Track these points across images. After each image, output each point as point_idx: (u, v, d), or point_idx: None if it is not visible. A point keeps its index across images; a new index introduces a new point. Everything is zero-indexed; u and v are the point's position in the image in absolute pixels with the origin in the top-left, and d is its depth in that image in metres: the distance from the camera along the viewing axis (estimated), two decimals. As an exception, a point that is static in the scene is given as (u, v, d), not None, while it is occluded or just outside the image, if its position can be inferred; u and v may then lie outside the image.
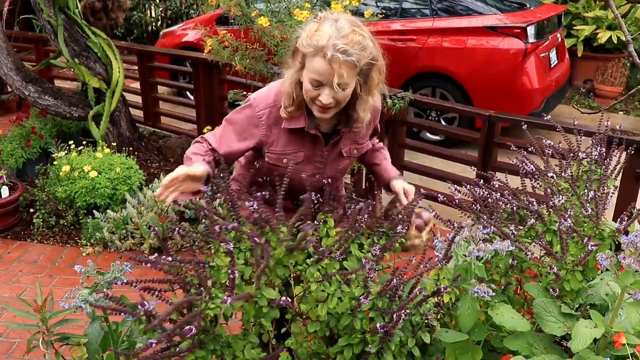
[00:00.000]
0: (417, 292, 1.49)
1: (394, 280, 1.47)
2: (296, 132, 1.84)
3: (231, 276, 1.38)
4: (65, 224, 4.17)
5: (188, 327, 1.30)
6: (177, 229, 1.57)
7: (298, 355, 1.62)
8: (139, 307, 1.34)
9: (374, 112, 1.92)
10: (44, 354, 1.84)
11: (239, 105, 1.92)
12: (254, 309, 1.45)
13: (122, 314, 1.41)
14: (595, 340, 1.43)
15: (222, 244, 1.44)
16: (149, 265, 1.42)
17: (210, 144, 1.85)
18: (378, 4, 5.93)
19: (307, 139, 1.86)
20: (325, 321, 1.53)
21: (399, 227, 1.68)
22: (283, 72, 1.83)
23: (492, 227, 1.64)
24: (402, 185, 1.95)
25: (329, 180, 1.83)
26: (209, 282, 1.44)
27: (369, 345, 1.45)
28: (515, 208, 1.81)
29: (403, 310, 1.42)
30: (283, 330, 1.69)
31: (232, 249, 1.41)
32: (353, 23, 1.65)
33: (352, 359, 1.51)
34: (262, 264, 1.42)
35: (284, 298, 1.44)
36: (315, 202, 1.69)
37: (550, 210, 1.74)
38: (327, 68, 1.62)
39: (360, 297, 1.44)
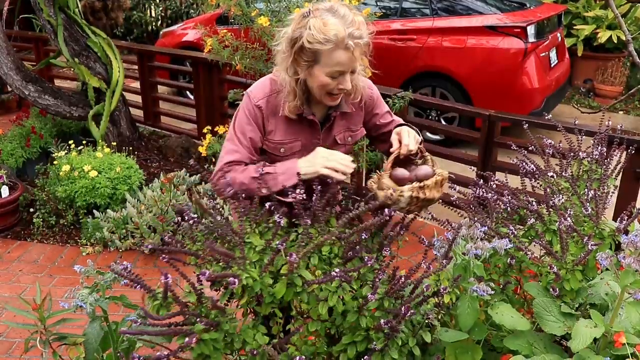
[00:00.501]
0: (425, 288, 1.49)
1: (401, 279, 1.47)
2: (293, 120, 1.85)
3: (280, 247, 1.45)
4: (65, 223, 4.17)
5: (231, 279, 1.35)
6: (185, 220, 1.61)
7: (302, 353, 1.63)
8: (162, 278, 1.38)
9: (369, 98, 1.95)
10: (41, 354, 1.84)
11: (239, 104, 1.92)
12: (285, 287, 1.46)
13: (137, 287, 1.43)
14: (595, 339, 1.43)
15: (276, 216, 1.52)
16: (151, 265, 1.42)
17: (242, 162, 1.84)
18: (378, 3, 5.93)
19: (304, 126, 1.87)
20: (332, 319, 1.53)
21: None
22: (278, 72, 1.84)
23: (488, 227, 1.64)
24: (397, 130, 1.89)
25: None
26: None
27: (373, 343, 1.45)
28: (515, 207, 1.81)
29: (408, 305, 1.43)
30: (288, 326, 1.70)
31: (282, 222, 1.53)
32: (346, 6, 1.70)
33: (355, 357, 1.51)
34: (317, 242, 1.48)
35: (335, 272, 1.43)
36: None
37: (550, 209, 1.74)
38: (349, 57, 1.67)
39: (368, 294, 1.44)
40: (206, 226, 1.59)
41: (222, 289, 1.49)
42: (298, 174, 1.69)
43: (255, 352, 1.47)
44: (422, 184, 1.69)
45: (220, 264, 1.49)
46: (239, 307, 1.54)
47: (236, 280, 1.37)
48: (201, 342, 1.39)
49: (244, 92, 1.90)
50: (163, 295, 1.41)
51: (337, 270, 1.43)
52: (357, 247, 1.57)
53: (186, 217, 1.58)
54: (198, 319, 1.39)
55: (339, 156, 1.75)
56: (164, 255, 1.46)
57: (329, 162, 1.73)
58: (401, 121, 2.06)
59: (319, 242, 1.49)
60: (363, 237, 1.58)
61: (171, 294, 1.43)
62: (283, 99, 1.82)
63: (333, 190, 1.67)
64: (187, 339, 1.35)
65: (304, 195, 1.61)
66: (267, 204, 1.61)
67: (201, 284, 1.43)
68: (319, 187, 1.64)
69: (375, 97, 1.99)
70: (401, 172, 1.74)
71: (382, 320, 1.42)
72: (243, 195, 1.65)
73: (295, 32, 1.69)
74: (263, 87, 1.86)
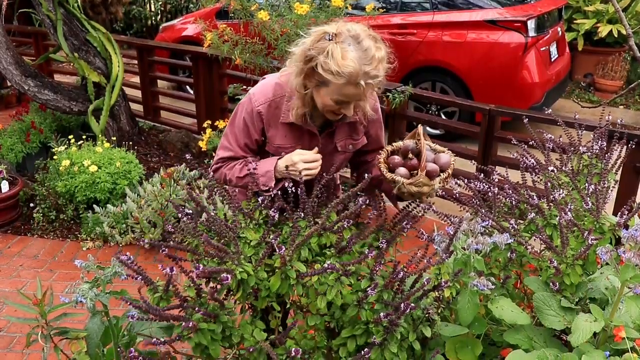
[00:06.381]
0: (425, 282, 1.49)
1: (401, 272, 1.47)
2: (294, 126, 1.85)
3: (273, 240, 1.46)
4: (66, 218, 4.17)
5: (224, 275, 1.36)
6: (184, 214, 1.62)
7: (301, 347, 1.63)
8: (162, 269, 1.39)
9: (372, 108, 1.91)
10: (42, 348, 1.84)
11: (239, 99, 1.93)
12: (279, 280, 1.47)
13: (139, 278, 1.43)
14: (594, 334, 1.43)
15: (269, 211, 1.53)
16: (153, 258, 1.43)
17: (234, 158, 1.91)
18: (378, -3, 5.91)
19: (305, 133, 1.87)
20: (331, 313, 1.54)
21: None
22: (285, 68, 1.82)
23: (490, 221, 1.64)
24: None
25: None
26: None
27: (373, 337, 1.46)
28: (515, 202, 1.80)
29: (408, 301, 1.43)
30: (288, 320, 1.71)
31: (276, 216, 1.53)
32: (371, 37, 1.64)
33: (355, 351, 1.51)
34: (306, 234, 1.49)
35: (327, 264, 1.44)
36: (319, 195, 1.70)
37: (551, 204, 1.74)
38: (357, 93, 1.64)
39: (368, 289, 1.45)
40: (202, 222, 1.61)
41: (219, 283, 1.50)
42: (276, 177, 1.79)
43: (252, 349, 1.47)
44: (447, 174, 1.71)
45: (215, 259, 1.50)
46: (236, 302, 1.55)
47: (229, 276, 1.37)
48: (199, 331, 1.41)
49: (244, 87, 1.91)
50: (164, 288, 1.42)
51: (328, 262, 1.44)
52: (351, 237, 1.57)
53: (181, 215, 1.59)
54: (197, 309, 1.40)
55: (312, 158, 1.77)
56: (163, 249, 1.47)
57: (306, 164, 1.76)
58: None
59: (307, 234, 1.50)
60: (346, 225, 1.58)
61: (172, 288, 1.44)
62: (286, 104, 1.82)
63: (332, 185, 1.68)
64: (184, 324, 1.36)
65: (293, 189, 1.65)
66: (260, 199, 1.65)
67: (199, 279, 1.44)
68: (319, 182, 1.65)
69: (378, 110, 1.97)
70: (431, 166, 1.72)
71: (381, 314, 1.42)
72: (236, 189, 1.69)
73: (312, 51, 1.63)
74: (266, 92, 1.85)
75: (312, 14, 3.60)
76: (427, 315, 1.53)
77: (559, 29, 6.17)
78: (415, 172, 1.72)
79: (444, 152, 1.80)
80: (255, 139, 1.89)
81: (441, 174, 1.72)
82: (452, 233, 1.58)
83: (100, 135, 4.66)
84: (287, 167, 1.78)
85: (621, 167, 2.01)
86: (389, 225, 1.72)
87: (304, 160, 1.76)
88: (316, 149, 1.81)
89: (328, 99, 1.68)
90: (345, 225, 1.58)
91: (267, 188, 1.78)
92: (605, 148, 1.97)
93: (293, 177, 1.76)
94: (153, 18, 10.09)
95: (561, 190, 1.78)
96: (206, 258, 1.53)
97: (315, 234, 1.54)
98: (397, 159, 1.79)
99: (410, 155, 1.79)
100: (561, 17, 6.45)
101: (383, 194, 1.84)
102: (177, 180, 4.19)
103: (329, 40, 1.60)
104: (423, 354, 1.59)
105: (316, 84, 1.68)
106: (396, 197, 1.85)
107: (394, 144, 1.86)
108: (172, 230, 1.57)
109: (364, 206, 1.59)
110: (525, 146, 2.02)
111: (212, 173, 1.91)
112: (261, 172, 1.81)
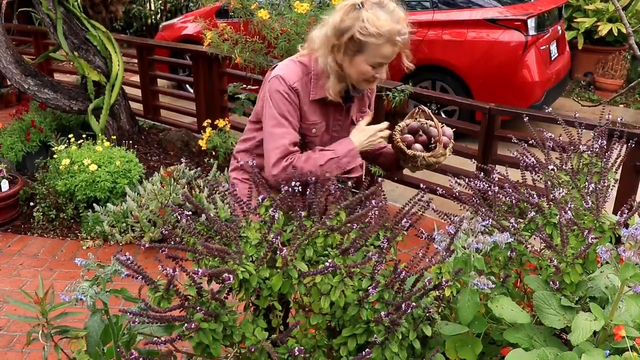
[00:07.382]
0: (427, 282, 1.49)
1: (402, 272, 1.47)
2: (321, 102, 1.93)
3: (274, 240, 1.45)
4: (66, 217, 4.17)
5: (225, 275, 1.37)
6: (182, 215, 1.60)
7: (302, 346, 1.63)
8: (162, 270, 1.39)
9: None
10: (43, 347, 1.84)
11: (238, 98, 1.95)
12: (281, 280, 1.47)
13: (139, 278, 1.43)
14: (594, 332, 1.43)
15: (270, 210, 1.53)
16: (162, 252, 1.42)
17: (292, 147, 1.90)
18: (378, -4, 5.91)
19: (330, 108, 1.96)
20: (332, 312, 1.54)
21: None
22: (301, 52, 1.93)
23: (491, 220, 1.64)
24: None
25: None
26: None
27: (374, 336, 1.46)
28: (515, 201, 1.80)
29: (409, 300, 1.43)
30: (289, 320, 1.71)
31: (277, 216, 1.53)
32: (390, 0, 1.78)
33: (355, 350, 1.51)
34: (308, 233, 1.50)
35: (328, 262, 1.44)
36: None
37: (551, 203, 1.74)
38: (393, 51, 1.80)
39: (369, 288, 1.45)
40: (202, 222, 1.60)
41: (221, 283, 1.50)
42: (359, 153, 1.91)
43: (253, 349, 1.47)
44: (452, 143, 2.01)
45: (217, 259, 1.49)
46: (238, 300, 1.55)
47: (231, 276, 1.37)
48: (200, 331, 1.41)
49: (244, 86, 1.94)
50: (165, 288, 1.42)
51: (329, 261, 1.44)
52: (355, 238, 1.57)
53: (181, 216, 1.58)
54: (198, 309, 1.40)
55: (376, 127, 1.96)
56: (163, 250, 1.47)
57: (380, 133, 1.95)
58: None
59: (310, 233, 1.50)
60: (354, 227, 1.58)
61: (173, 288, 1.43)
62: (314, 81, 1.89)
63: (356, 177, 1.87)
64: (186, 325, 1.36)
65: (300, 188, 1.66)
66: (260, 198, 1.65)
67: (200, 278, 1.44)
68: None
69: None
70: (444, 139, 1.98)
71: (382, 313, 1.42)
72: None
73: (345, 23, 1.75)
74: (295, 71, 1.89)
75: (312, 12, 3.59)
76: (427, 314, 1.53)
77: (559, 27, 6.16)
78: (432, 145, 1.99)
79: (442, 125, 2.05)
80: (298, 118, 1.93)
81: (450, 143, 2.01)
82: (452, 232, 1.58)
83: (100, 134, 4.66)
84: (366, 139, 1.92)
85: (621, 166, 2.01)
86: (390, 224, 1.72)
87: (379, 129, 1.95)
88: (367, 118, 1.98)
89: (365, 65, 1.80)
90: (352, 227, 1.58)
91: (350, 168, 1.88)
92: (605, 147, 1.97)
93: (369, 148, 1.96)
94: (153, 17, 10.08)
95: (561, 189, 1.78)
96: (207, 257, 1.52)
97: (321, 235, 1.54)
98: (409, 137, 2.01)
99: (420, 132, 2.03)
100: (561, 15, 6.45)
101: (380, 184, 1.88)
102: (177, 179, 4.20)
103: (359, 8, 1.74)
104: (423, 353, 1.59)
105: (353, 53, 1.79)
106: (397, 167, 2.13)
107: (400, 123, 2.07)
108: (170, 232, 1.56)
109: (372, 209, 1.62)
110: (525, 145, 2.02)
111: (276, 173, 1.86)
112: (342, 153, 1.89)
